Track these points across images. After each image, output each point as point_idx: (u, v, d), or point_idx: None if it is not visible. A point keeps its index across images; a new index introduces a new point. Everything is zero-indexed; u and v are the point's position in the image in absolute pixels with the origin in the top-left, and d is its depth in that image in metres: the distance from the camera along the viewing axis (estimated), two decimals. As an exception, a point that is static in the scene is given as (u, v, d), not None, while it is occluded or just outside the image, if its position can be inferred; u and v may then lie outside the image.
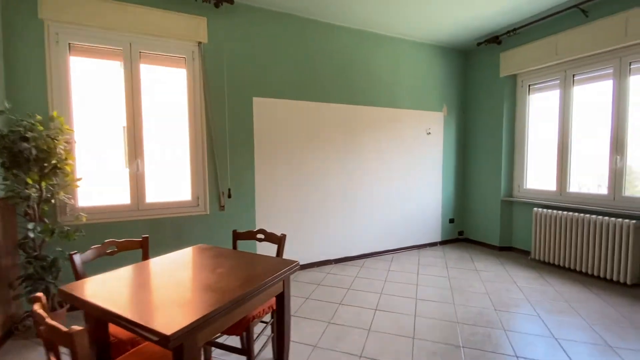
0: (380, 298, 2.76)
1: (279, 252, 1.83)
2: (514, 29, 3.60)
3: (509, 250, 4.08)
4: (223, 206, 3.05)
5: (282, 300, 1.55)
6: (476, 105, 4.34)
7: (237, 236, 2.01)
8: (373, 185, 3.85)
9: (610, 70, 3.11)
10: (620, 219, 2.95)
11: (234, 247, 2.03)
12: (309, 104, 3.46)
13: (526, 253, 3.87)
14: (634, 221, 2.86)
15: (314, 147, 3.49)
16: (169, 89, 2.92)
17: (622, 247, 2.92)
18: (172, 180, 2.97)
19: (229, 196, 3.06)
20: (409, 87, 4.04)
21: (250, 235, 1.98)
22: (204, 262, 1.62)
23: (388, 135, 3.92)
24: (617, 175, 3.10)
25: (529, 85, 3.84)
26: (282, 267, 1.51)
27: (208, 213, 3.00)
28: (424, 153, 4.20)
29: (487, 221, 4.23)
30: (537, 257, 3.61)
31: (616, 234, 2.96)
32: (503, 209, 4.06)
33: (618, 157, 3.09)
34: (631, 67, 2.98)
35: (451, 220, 4.48)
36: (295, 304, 2.67)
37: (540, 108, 3.77)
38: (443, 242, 4.43)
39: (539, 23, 3.48)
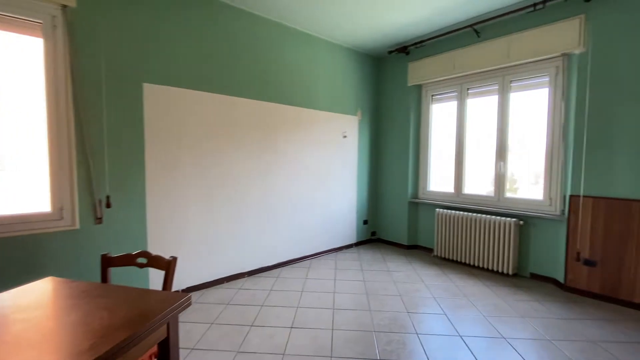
0: (296, 313, 2.54)
1: (167, 281, 1.43)
2: (421, 41, 3.83)
3: (416, 248, 4.35)
4: (100, 218, 2.41)
5: (166, 349, 1.18)
6: (388, 111, 4.52)
7: (107, 262, 1.51)
8: (291, 188, 3.63)
9: (496, 87, 3.54)
10: (503, 218, 3.36)
11: (104, 278, 1.52)
12: (221, 97, 3.04)
13: (430, 250, 4.18)
14: (514, 219, 3.29)
15: (226, 147, 3.08)
16: (18, 63, 2.15)
17: (506, 243, 3.33)
18: (22, 186, 2.20)
19: (108, 205, 2.43)
20: (326, 88, 3.95)
21: (128, 260, 1.51)
22: (50, 305, 1.13)
23: (306, 137, 3.75)
24: (500, 179, 3.54)
25: (432, 95, 4.16)
26: (165, 306, 1.13)
27: (78, 228, 2.32)
28: (341, 156, 4.18)
29: (396, 222, 4.44)
30: (439, 254, 3.92)
31: (501, 231, 3.37)
32: (410, 210, 4.31)
33: (501, 163, 3.53)
34: (511, 84, 3.43)
35: (365, 222, 4.57)
36: (197, 332, 2.25)
37: (441, 117, 4.11)
38: (358, 244, 4.49)
39: (441, 38, 3.77)
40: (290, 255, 3.69)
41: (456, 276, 3.36)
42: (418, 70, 4.08)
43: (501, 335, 2.24)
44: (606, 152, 2.75)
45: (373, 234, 4.71)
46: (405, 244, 4.34)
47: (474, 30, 3.48)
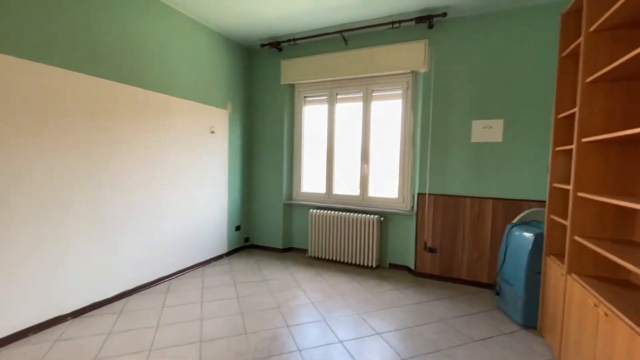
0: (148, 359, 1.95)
1: None
2: (294, 39, 3.73)
3: (291, 251, 4.26)
4: None
5: None
6: (261, 108, 4.25)
7: None
8: (138, 193, 2.87)
9: (361, 94, 3.79)
10: (367, 215, 3.64)
11: None
12: (28, 64, 2.05)
13: (304, 251, 4.16)
14: (376, 216, 3.60)
15: (37, 139, 2.10)
16: None
17: (370, 238, 3.61)
18: None
19: None
20: (189, 73, 3.34)
21: None
22: None
23: (160, 129, 3.05)
24: (364, 180, 3.83)
25: (304, 97, 4.15)
26: None
27: None
28: (209, 155, 3.64)
29: (271, 225, 4.24)
30: (313, 255, 3.93)
31: (366, 228, 3.63)
32: (285, 212, 4.18)
33: (365, 165, 3.81)
34: (373, 94, 3.74)
35: (237, 228, 4.17)
36: None
37: (313, 119, 4.14)
38: (230, 253, 4.05)
39: (313, 40, 3.77)
40: (139, 279, 2.92)
41: (330, 275, 3.41)
42: (291, 70, 3.98)
43: (375, 331, 2.33)
44: (443, 157, 3.31)
45: (246, 240, 4.35)
46: (281, 247, 4.18)
47: (343, 38, 3.62)
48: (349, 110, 3.91)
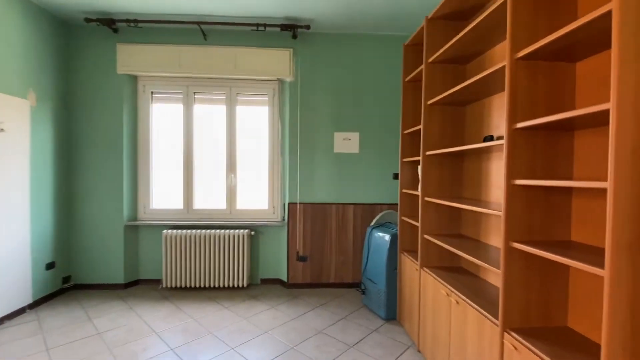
0: None
1: None
2: (136, 20, 3.01)
3: (137, 284, 3.40)
4: None
5: None
6: (86, 101, 3.23)
7: None
8: None
9: (224, 97, 3.44)
10: (236, 230, 3.30)
11: None
12: None
13: (157, 282, 3.40)
14: (246, 230, 3.31)
15: None
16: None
17: (239, 255, 3.28)
18: None
19: None
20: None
21: None
22: None
23: None
24: (231, 191, 3.48)
25: (152, 93, 3.42)
26: None
27: None
28: (-10, 164, 2.44)
29: (106, 255, 3.26)
30: (168, 285, 3.25)
31: (234, 244, 3.28)
32: (127, 236, 3.31)
33: (232, 175, 3.47)
34: (238, 97, 3.46)
35: (50, 265, 3.00)
36: None
37: (166, 120, 3.47)
38: (38, 303, 2.85)
39: (165, 26, 3.16)
40: None
41: (194, 307, 2.88)
42: (132, 57, 3.20)
43: (255, 366, 2.05)
44: (311, 166, 3.36)
45: (66, 280, 3.19)
46: (122, 282, 3.27)
47: (201, 31, 3.18)
48: (211, 112, 3.47)
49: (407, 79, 2.61)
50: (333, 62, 3.34)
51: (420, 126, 2.27)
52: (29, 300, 2.77)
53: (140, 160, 3.41)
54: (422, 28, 2.27)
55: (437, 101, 2.10)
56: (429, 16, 2.16)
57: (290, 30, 3.13)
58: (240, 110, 3.47)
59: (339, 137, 3.38)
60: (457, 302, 1.72)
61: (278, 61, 3.27)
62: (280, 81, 3.43)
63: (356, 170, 3.40)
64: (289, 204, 3.37)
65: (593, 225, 1.26)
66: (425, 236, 2.18)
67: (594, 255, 1.11)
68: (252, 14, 2.98)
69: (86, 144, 3.24)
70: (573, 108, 1.37)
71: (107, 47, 3.20)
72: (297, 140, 3.35)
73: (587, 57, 1.31)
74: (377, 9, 2.86)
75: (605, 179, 1.20)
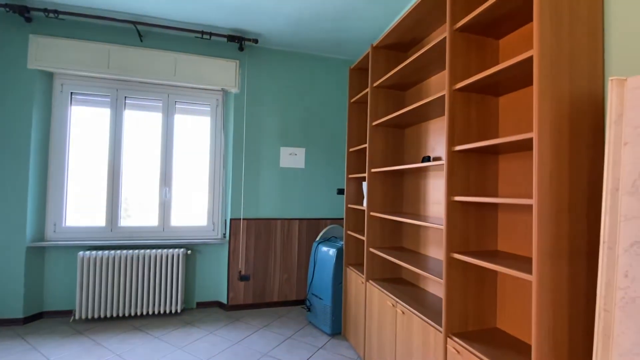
0: None
1: None
2: (57, 11, 2.63)
3: (41, 318, 2.83)
4: None
5: None
6: (-20, 98, 2.68)
7: None
8: None
9: (161, 104, 3.18)
10: (170, 250, 3.01)
11: None
12: None
13: (67, 314, 2.88)
14: (182, 249, 3.04)
15: None
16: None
17: (174, 277, 2.99)
18: None
19: None
20: None
21: None
22: None
23: None
24: (165, 206, 3.18)
25: (72, 94, 3.00)
26: None
27: None
28: None
29: (1, 283, 2.67)
30: (83, 316, 2.78)
31: (168, 265, 2.98)
32: (30, 259, 2.76)
33: (166, 188, 3.18)
34: (176, 105, 3.23)
35: None
36: None
37: (88, 125, 3.05)
38: None
39: (93, 21, 2.83)
40: None
41: (117, 341, 2.50)
42: (48, 51, 2.78)
43: (194, 401, 1.85)
44: (256, 181, 3.27)
45: None
46: (21, 316, 2.69)
47: (137, 31, 2.93)
48: (144, 120, 3.17)
49: (352, 100, 2.76)
50: (281, 77, 3.37)
51: (366, 145, 2.40)
52: None
53: (52, 170, 2.92)
54: (368, 54, 2.44)
55: (381, 123, 2.26)
56: (374, 45, 2.34)
57: (237, 42, 3.07)
58: (179, 119, 3.25)
59: (284, 151, 3.38)
60: (403, 312, 1.81)
61: (223, 71, 3.16)
62: (225, 92, 3.31)
63: (302, 185, 3.41)
64: (231, 219, 3.21)
65: (516, 236, 1.47)
66: (371, 249, 2.27)
67: (520, 262, 1.29)
68: (197, 21, 2.86)
69: (-23, 149, 2.66)
70: (497, 135, 1.59)
71: (16, 36, 2.73)
72: (242, 153, 3.25)
73: (507, 93, 1.55)
74: (323, 33, 2.99)
75: (524, 196, 1.42)
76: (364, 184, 2.45)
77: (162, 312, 2.95)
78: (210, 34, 2.96)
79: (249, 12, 2.68)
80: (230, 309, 3.16)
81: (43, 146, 2.87)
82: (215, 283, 3.25)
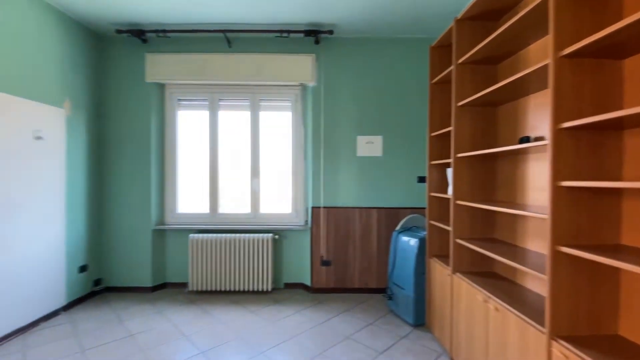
0: None
1: None
2: (164, 30, 3.11)
3: (164, 288, 3.46)
4: None
5: None
6: (118, 109, 3.34)
7: None
8: None
9: (248, 103, 3.49)
10: (260, 234, 3.32)
11: None
12: None
13: (183, 286, 3.45)
14: (270, 234, 3.33)
15: None
16: None
17: (264, 259, 3.30)
18: None
19: None
20: (-8, 51, 2.26)
21: None
22: None
23: None
24: (255, 195, 3.51)
25: (179, 100, 3.51)
26: None
27: None
28: (32, 170, 2.55)
29: (135, 259, 3.34)
30: (195, 288, 3.30)
31: (258, 248, 3.30)
32: (155, 240, 3.38)
33: (256, 179, 3.51)
34: (261, 103, 3.50)
35: (83, 268, 3.09)
36: None
37: (191, 127, 3.54)
38: (71, 305, 2.94)
39: (190, 35, 3.25)
40: None
41: (220, 311, 2.91)
42: (160, 66, 3.30)
43: (286, 370, 2.05)
44: (334, 170, 3.36)
45: (97, 283, 3.28)
46: (150, 285, 3.34)
47: (227, 38, 3.25)
48: (235, 119, 3.53)
49: (433, 81, 2.58)
50: (356, 65, 3.35)
51: (450, 128, 2.24)
52: (62, 302, 2.86)
53: (166, 166, 3.50)
54: (451, 29, 2.24)
55: (468, 102, 2.07)
56: (458, 17, 2.14)
57: (313, 36, 3.16)
58: (264, 115, 3.52)
59: (361, 140, 3.37)
60: (497, 309, 1.67)
61: (300, 66, 3.30)
62: (303, 86, 3.45)
63: (379, 173, 3.37)
64: (312, 207, 3.37)
65: (649, 229, 1.20)
66: (458, 240, 2.13)
67: (655, 259, 1.05)
68: (276, 21, 3.03)
69: (116, 151, 3.34)
70: (621, 106, 1.31)
71: (136, 57, 3.31)
72: (320, 144, 3.36)
73: (636, 54, 1.26)
74: (400, 12, 2.85)
75: (663, 180, 1.15)
76: (449, 171, 2.30)
77: (255, 289, 3.30)
78: (289, 31, 3.11)
79: (325, 3, 2.72)
80: (314, 292, 3.35)
81: (159, 147, 3.45)
82: (299, 266, 3.47)
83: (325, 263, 3.35)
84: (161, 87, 3.46)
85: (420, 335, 2.49)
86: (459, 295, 2.08)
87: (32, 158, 2.55)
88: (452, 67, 2.22)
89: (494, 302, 1.69)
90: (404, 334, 2.51)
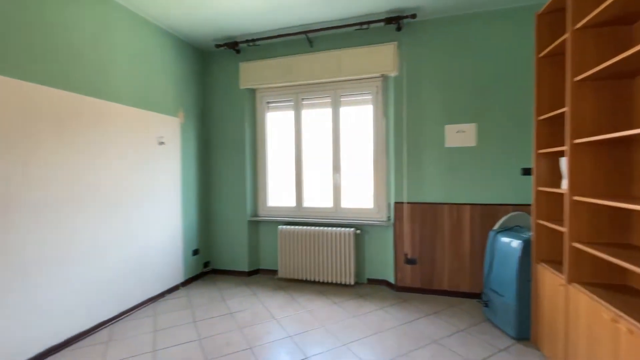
0: None
1: None
2: (253, 40, 3.39)
3: (258, 273, 3.83)
4: None
5: None
6: (218, 115, 3.81)
7: None
8: (73, 226, 2.29)
9: (329, 99, 3.55)
10: (342, 229, 3.36)
11: None
12: None
13: (273, 272, 3.76)
14: (352, 229, 3.34)
15: None
16: None
17: (346, 253, 3.33)
18: None
19: None
20: (131, 76, 2.83)
21: None
22: None
23: (96, 144, 2.50)
24: (337, 190, 3.57)
25: (267, 103, 3.80)
26: None
27: None
28: (157, 170, 3.11)
29: (234, 246, 3.78)
30: (283, 276, 3.55)
31: (341, 242, 3.35)
32: (250, 230, 3.76)
33: (337, 174, 3.56)
34: (342, 99, 3.52)
35: (195, 252, 3.65)
36: None
37: (278, 126, 3.80)
38: (187, 282, 3.50)
39: (275, 40, 3.46)
40: (73, 328, 2.32)
41: (306, 299, 3.06)
42: (251, 73, 3.62)
43: (368, 366, 2.03)
44: (418, 163, 3.17)
45: (206, 265, 3.83)
46: (247, 270, 3.73)
47: (308, 39, 3.37)
48: (317, 116, 3.64)
49: (541, 54, 2.18)
50: (442, 48, 3.07)
51: (565, 109, 1.85)
52: (181, 279, 3.42)
53: (258, 163, 3.83)
54: (565, -12, 1.85)
55: (590, 75, 1.67)
56: (576, -29, 1.74)
57: (395, 23, 3.01)
58: (344, 110, 3.53)
59: (450, 130, 3.08)
60: (631, 332, 1.32)
61: (381, 57, 3.19)
62: (384, 77, 3.33)
63: (473, 166, 3.03)
64: (395, 203, 3.25)
65: None
66: (576, 244, 1.76)
67: None
68: (354, 14, 2.99)
69: (217, 152, 3.82)
70: None
71: (232, 67, 3.71)
72: (403, 136, 3.20)
73: None
74: (497, -20, 2.48)
75: None
76: (563, 160, 1.92)
77: (338, 282, 3.37)
78: (369, 22, 3.03)
79: (405, -13, 2.56)
80: (398, 290, 3.23)
81: (252, 146, 3.80)
82: (382, 263, 3.40)
83: (411, 261, 3.20)
84: (252, 92, 3.80)
85: (524, 351, 2.16)
86: (577, 310, 1.72)
87: (157, 160, 3.11)
88: (566, 35, 1.83)
89: (628, 323, 1.34)
90: (503, 347, 2.22)
